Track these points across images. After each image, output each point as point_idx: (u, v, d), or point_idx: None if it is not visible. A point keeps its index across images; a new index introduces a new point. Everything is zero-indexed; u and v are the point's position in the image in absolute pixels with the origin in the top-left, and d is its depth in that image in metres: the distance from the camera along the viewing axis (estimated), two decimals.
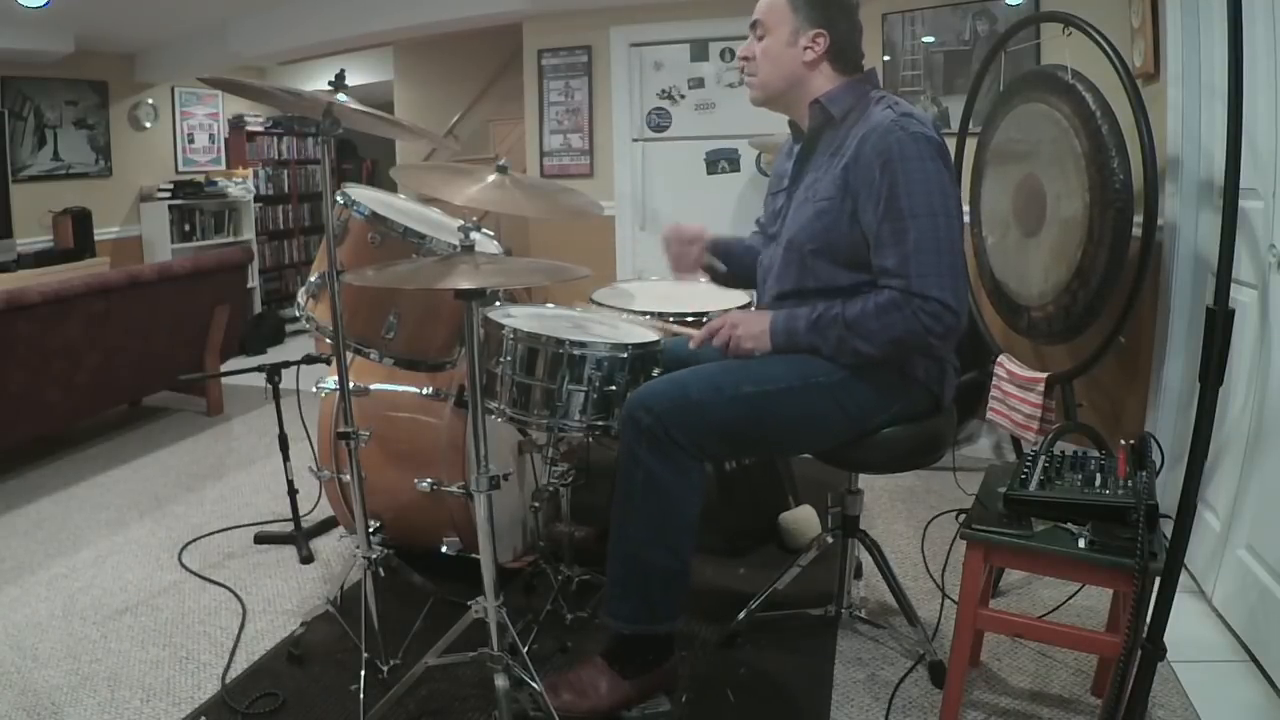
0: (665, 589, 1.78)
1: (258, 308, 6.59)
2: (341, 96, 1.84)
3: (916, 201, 1.64)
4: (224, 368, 4.07)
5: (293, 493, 2.77)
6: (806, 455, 1.94)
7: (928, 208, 1.64)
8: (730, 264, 2.14)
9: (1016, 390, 2.80)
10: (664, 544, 1.75)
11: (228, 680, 2.02)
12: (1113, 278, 2.41)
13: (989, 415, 2.97)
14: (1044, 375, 2.71)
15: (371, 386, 2.36)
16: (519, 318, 2.05)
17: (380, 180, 8.26)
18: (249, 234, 6.67)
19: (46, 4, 4.37)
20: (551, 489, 2.26)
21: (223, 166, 6.80)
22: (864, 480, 2.16)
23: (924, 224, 1.64)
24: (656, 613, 1.79)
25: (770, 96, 1.88)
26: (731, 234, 2.21)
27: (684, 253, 2.11)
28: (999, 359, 2.96)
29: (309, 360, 2.75)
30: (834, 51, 1.80)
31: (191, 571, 2.60)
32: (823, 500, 2.32)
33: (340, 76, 2.00)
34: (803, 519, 2.68)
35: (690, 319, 2.47)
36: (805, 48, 1.79)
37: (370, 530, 2.02)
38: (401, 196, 2.44)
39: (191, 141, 6.58)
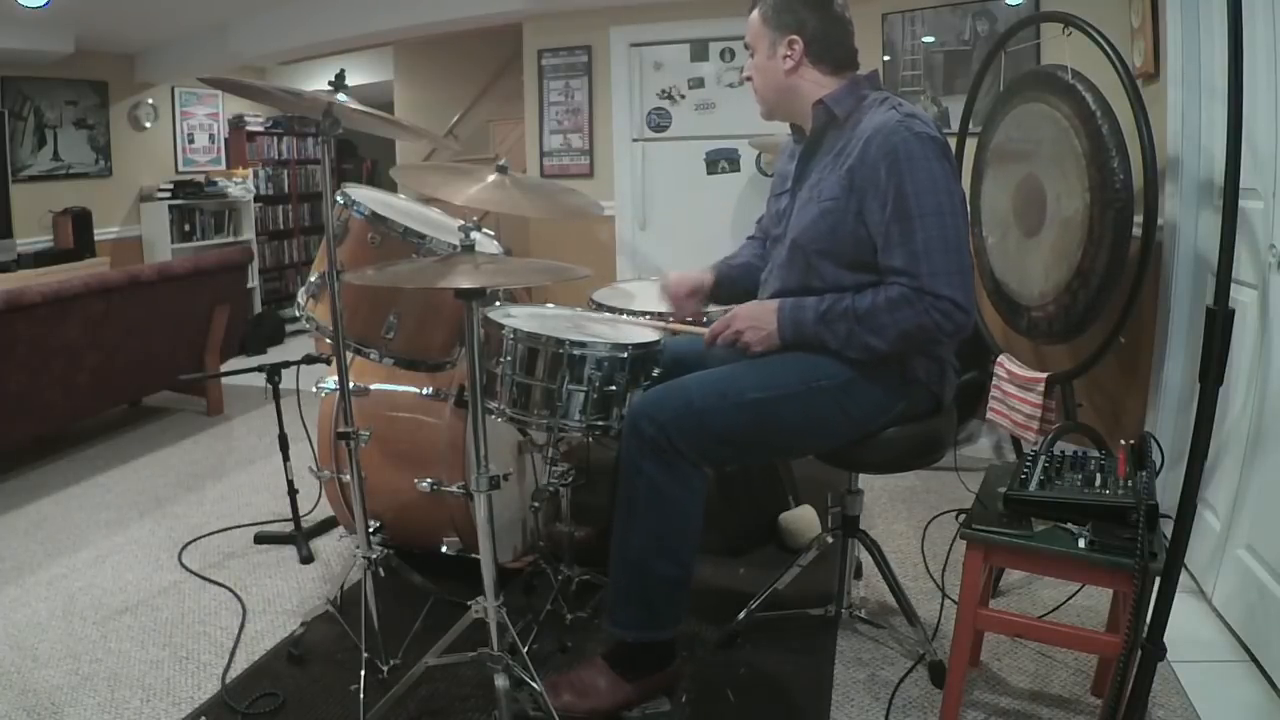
0: (668, 596, 1.79)
1: (258, 308, 6.59)
2: (341, 96, 1.84)
3: (924, 201, 1.64)
4: (224, 368, 4.07)
5: (293, 493, 2.77)
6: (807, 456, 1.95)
7: (935, 207, 1.64)
8: (732, 291, 2.11)
9: (1016, 390, 2.80)
10: (667, 552, 1.75)
11: (228, 680, 2.02)
12: (1113, 278, 2.41)
13: (989, 415, 2.97)
14: (1044, 375, 2.71)
15: (371, 386, 2.36)
16: (519, 318, 2.05)
17: (380, 180, 8.26)
18: (249, 234, 6.67)
19: (46, 4, 4.37)
20: (551, 489, 2.26)
21: (223, 166, 6.79)
22: (864, 480, 2.16)
23: (932, 223, 1.64)
24: (659, 619, 1.80)
25: (770, 109, 1.92)
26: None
27: (684, 305, 2.10)
28: (999, 359, 2.96)
29: (309, 360, 2.75)
30: (812, 52, 1.81)
31: (191, 571, 2.60)
32: (823, 500, 2.33)
33: (340, 76, 1.99)
34: (803, 519, 2.68)
35: (690, 319, 2.47)
36: (784, 56, 1.81)
37: (370, 530, 2.02)
38: (401, 196, 2.44)
39: (191, 141, 6.58)
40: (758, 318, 1.82)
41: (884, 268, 1.70)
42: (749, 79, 1.91)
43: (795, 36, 1.79)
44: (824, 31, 1.80)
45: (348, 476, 2.04)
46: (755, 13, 1.85)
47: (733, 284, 2.12)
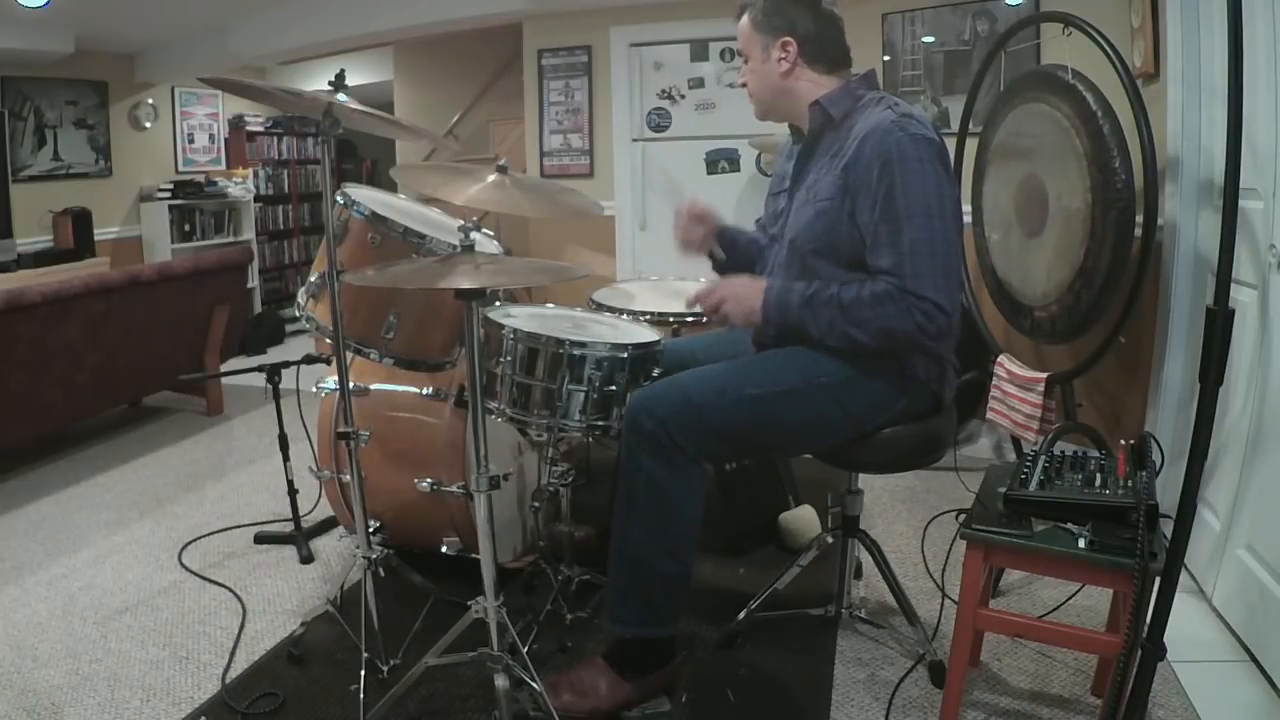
0: (667, 593, 1.79)
1: (258, 308, 6.59)
2: (341, 96, 1.84)
3: (913, 203, 1.64)
4: (224, 368, 4.07)
5: (293, 493, 2.77)
6: (806, 455, 1.94)
7: (924, 209, 1.64)
8: (734, 253, 2.11)
9: (1016, 390, 2.80)
10: (666, 549, 1.75)
11: (228, 680, 2.02)
12: (1116, 278, 2.41)
13: (989, 415, 2.97)
14: (1044, 375, 2.71)
15: (371, 386, 2.36)
16: (519, 318, 2.05)
17: (380, 180, 8.26)
18: (249, 234, 6.67)
19: (46, 4, 4.37)
20: (551, 489, 2.26)
21: (223, 166, 6.79)
22: (864, 480, 2.16)
23: (920, 225, 1.64)
24: (659, 617, 1.80)
25: (766, 111, 1.92)
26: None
27: (691, 229, 2.08)
28: (999, 359, 2.96)
29: (309, 360, 2.75)
30: (806, 52, 1.81)
31: (191, 571, 2.60)
32: (823, 500, 2.33)
33: (340, 76, 1.99)
34: (803, 519, 2.68)
35: (690, 319, 2.47)
36: (779, 59, 1.82)
37: (370, 530, 2.02)
38: (401, 196, 2.44)
39: (191, 141, 6.58)
40: (743, 293, 1.82)
41: (871, 267, 1.71)
42: (744, 85, 1.91)
43: (788, 38, 1.80)
44: (816, 30, 1.80)
45: (348, 476, 2.04)
46: (745, 19, 1.85)
47: (735, 243, 2.11)
